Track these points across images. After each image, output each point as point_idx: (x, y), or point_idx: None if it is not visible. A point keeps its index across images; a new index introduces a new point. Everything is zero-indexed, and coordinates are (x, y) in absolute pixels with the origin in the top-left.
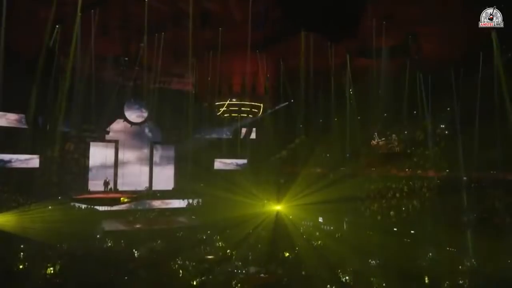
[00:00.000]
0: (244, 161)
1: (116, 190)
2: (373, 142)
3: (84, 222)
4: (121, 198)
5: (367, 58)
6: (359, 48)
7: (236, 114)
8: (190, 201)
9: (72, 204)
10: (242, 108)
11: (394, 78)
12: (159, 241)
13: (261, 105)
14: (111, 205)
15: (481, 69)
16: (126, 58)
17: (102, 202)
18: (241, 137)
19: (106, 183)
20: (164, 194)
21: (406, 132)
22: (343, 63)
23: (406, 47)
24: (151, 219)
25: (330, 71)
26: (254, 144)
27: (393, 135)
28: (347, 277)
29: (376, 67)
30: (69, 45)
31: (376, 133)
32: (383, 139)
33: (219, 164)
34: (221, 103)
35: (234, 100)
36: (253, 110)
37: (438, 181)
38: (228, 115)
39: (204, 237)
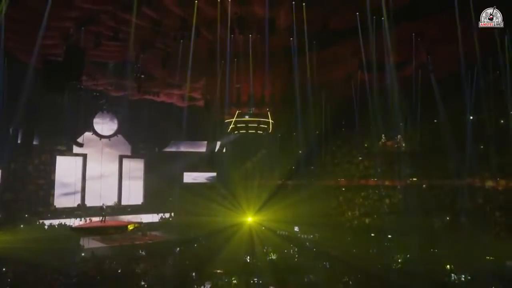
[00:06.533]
0: (213, 174)
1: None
2: (381, 142)
3: (58, 240)
4: (128, 226)
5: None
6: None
7: (244, 130)
8: (165, 215)
9: (41, 222)
10: (250, 125)
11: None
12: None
13: (270, 120)
14: (117, 233)
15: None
16: (139, 65)
17: (106, 231)
18: (216, 150)
19: (102, 209)
20: (134, 209)
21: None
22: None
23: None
24: (128, 235)
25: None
26: (225, 158)
27: (399, 136)
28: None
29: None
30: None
31: (383, 134)
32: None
33: (188, 177)
34: (230, 120)
35: (247, 117)
36: (260, 125)
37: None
38: (237, 132)
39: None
